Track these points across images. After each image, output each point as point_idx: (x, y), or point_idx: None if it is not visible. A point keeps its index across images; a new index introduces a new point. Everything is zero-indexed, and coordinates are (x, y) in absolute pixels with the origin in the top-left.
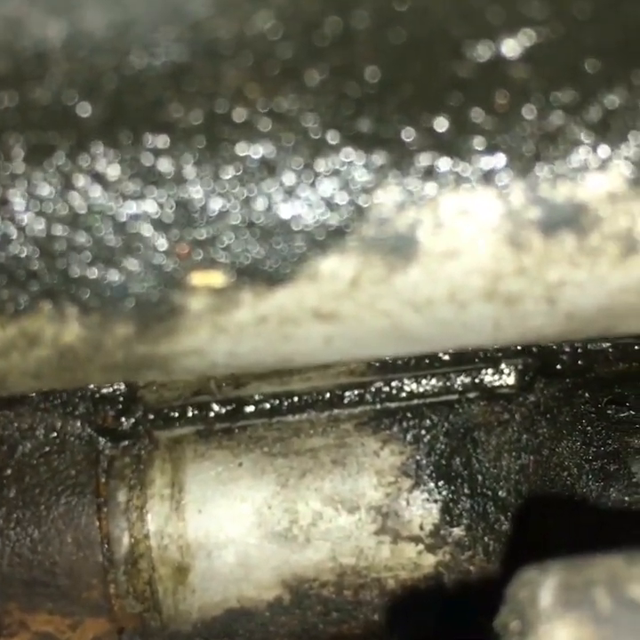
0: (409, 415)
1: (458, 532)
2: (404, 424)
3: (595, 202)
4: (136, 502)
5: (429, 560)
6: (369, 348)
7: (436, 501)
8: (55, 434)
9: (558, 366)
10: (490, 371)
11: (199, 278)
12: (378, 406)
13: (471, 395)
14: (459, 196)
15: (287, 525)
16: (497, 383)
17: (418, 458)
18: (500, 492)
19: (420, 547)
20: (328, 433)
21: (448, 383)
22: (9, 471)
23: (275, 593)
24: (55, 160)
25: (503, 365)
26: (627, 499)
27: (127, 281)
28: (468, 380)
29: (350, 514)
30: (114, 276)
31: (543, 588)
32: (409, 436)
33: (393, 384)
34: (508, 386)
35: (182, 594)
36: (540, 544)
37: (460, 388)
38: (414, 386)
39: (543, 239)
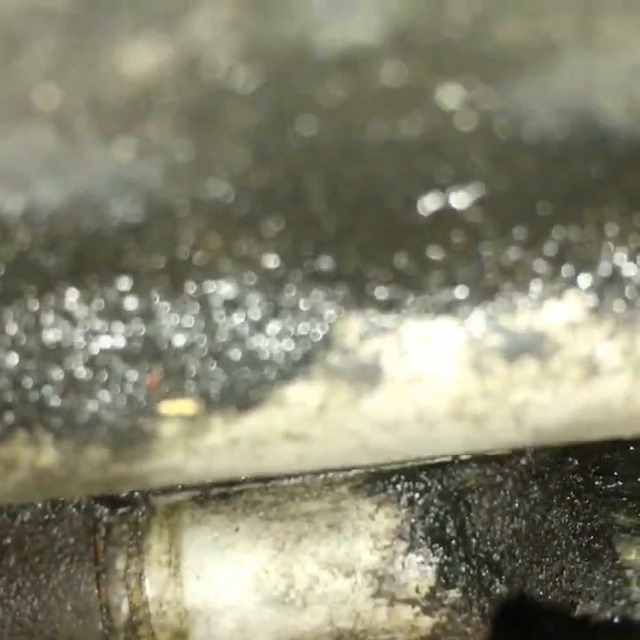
0: (403, 478)
1: (454, 594)
2: (398, 487)
3: (554, 330)
4: (134, 569)
5: (426, 622)
6: (341, 462)
7: (431, 564)
8: (53, 502)
9: None
10: None
11: (169, 407)
12: (372, 469)
13: (464, 457)
14: (421, 326)
15: (284, 590)
16: None
17: (412, 521)
18: (494, 556)
19: (417, 609)
20: (323, 496)
21: None
22: (9, 540)
23: None
24: (24, 302)
25: None
26: (610, 582)
27: (99, 410)
28: None
29: (347, 577)
30: (86, 405)
31: None
32: (403, 499)
33: None
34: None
35: None
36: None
37: None
38: None
39: (506, 364)
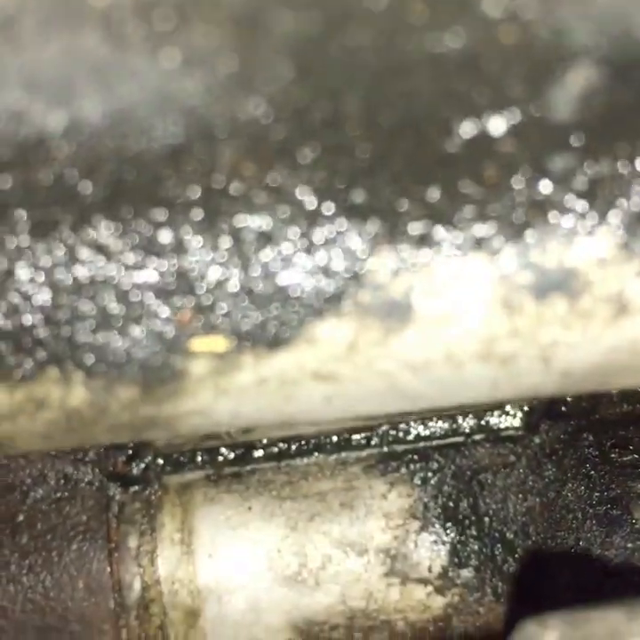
0: (416, 457)
1: (466, 573)
2: (411, 466)
3: (584, 267)
4: (147, 547)
5: (438, 602)
6: (369, 406)
7: (444, 543)
8: (66, 480)
9: (563, 408)
10: (496, 413)
11: (200, 344)
12: (385, 449)
13: (477, 437)
14: (451, 263)
15: (297, 569)
16: (503, 425)
17: (425, 500)
18: (507, 534)
19: (429, 588)
20: (336, 476)
21: (454, 425)
22: (21, 517)
23: (285, 637)
24: (59, 233)
25: (509, 407)
26: (630, 545)
27: (130, 347)
28: (474, 422)
29: (359, 556)
30: (117, 342)
31: None
32: (416, 479)
33: (400, 427)
34: (513, 428)
35: (193, 638)
36: (545, 587)
37: (467, 431)
38: (421, 428)
39: (535, 302)
